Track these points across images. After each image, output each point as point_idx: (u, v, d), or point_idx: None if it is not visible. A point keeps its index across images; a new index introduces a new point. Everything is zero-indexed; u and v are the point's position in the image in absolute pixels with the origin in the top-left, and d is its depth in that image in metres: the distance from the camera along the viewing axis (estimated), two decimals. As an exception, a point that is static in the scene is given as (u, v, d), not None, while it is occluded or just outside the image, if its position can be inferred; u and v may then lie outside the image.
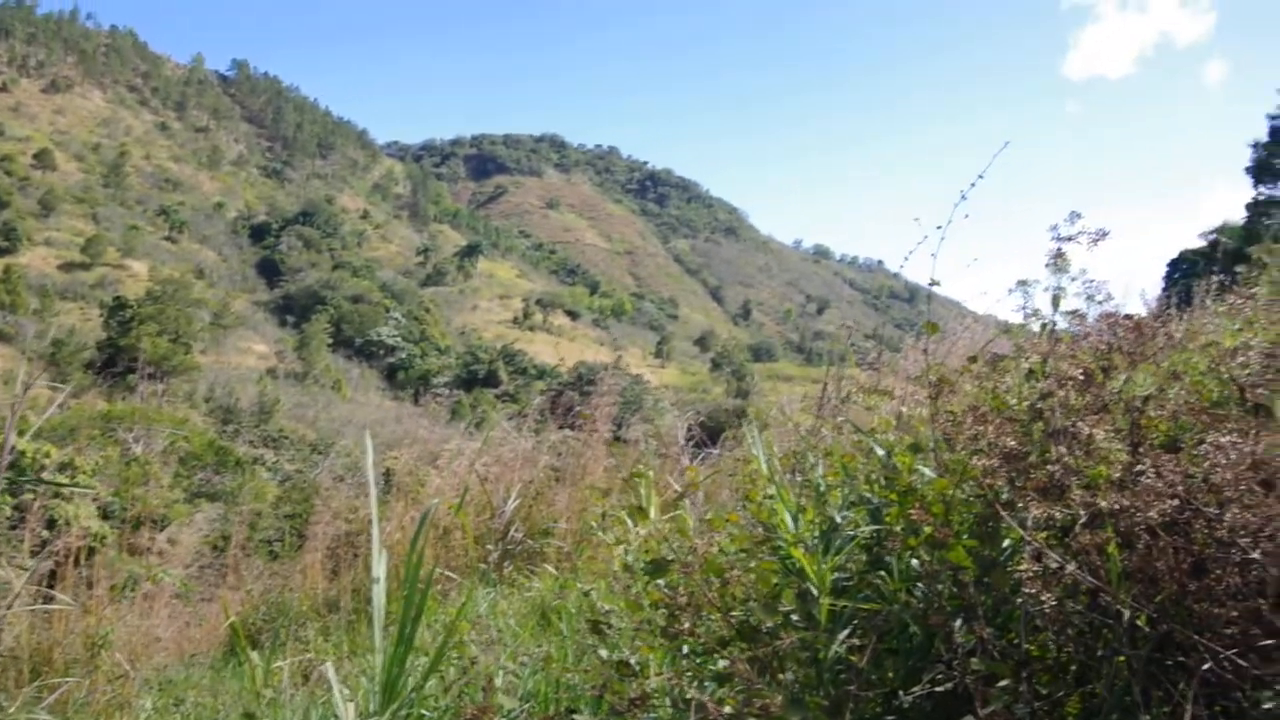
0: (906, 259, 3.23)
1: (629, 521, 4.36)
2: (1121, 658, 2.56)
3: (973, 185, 3.00)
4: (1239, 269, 7.69)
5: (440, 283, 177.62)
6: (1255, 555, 2.28)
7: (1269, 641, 2.28)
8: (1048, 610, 2.49)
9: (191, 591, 9.90)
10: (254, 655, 5.50)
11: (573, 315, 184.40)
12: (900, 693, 2.92)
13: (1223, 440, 2.38)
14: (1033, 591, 2.44)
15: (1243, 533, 2.26)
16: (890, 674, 3.02)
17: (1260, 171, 42.76)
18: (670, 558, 3.19)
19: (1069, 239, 2.96)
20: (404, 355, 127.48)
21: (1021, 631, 2.68)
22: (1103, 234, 2.90)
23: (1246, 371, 2.74)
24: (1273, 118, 42.79)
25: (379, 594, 3.52)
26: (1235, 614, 2.30)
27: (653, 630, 3.15)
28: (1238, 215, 42.20)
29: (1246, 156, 42.97)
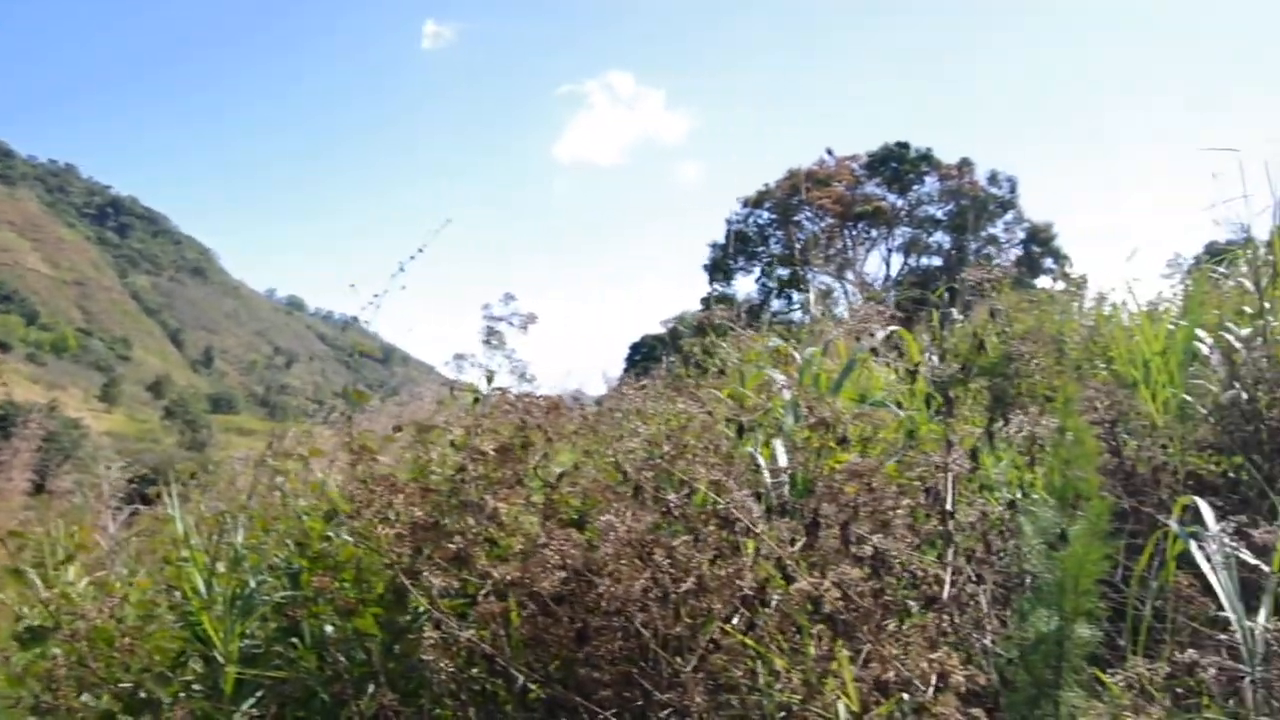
0: (347, 324, 3.29)
1: (37, 583, 4.01)
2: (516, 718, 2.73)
3: (411, 258, 3.16)
4: (673, 358, 8.54)
5: None
6: (636, 624, 2.53)
7: (641, 703, 2.55)
8: (445, 676, 2.61)
9: None
10: None
11: (3, 347, 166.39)
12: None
13: (610, 518, 2.64)
14: (431, 659, 2.55)
15: (625, 602, 2.51)
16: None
17: (715, 270, 47.96)
18: (51, 625, 2.99)
19: (500, 319, 3.17)
20: None
21: (424, 698, 2.80)
22: (532, 318, 3.14)
23: (632, 456, 3.06)
24: (730, 223, 48.25)
25: None
26: (609, 677, 2.55)
27: (27, 706, 2.92)
28: (695, 307, 46.95)
29: (706, 255, 48.19)
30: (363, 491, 2.87)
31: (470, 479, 2.89)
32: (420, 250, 3.21)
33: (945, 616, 2.67)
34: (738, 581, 2.52)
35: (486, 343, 3.25)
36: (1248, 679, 3.17)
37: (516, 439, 3.01)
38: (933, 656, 2.41)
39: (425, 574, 2.68)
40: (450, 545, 2.74)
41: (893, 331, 5.16)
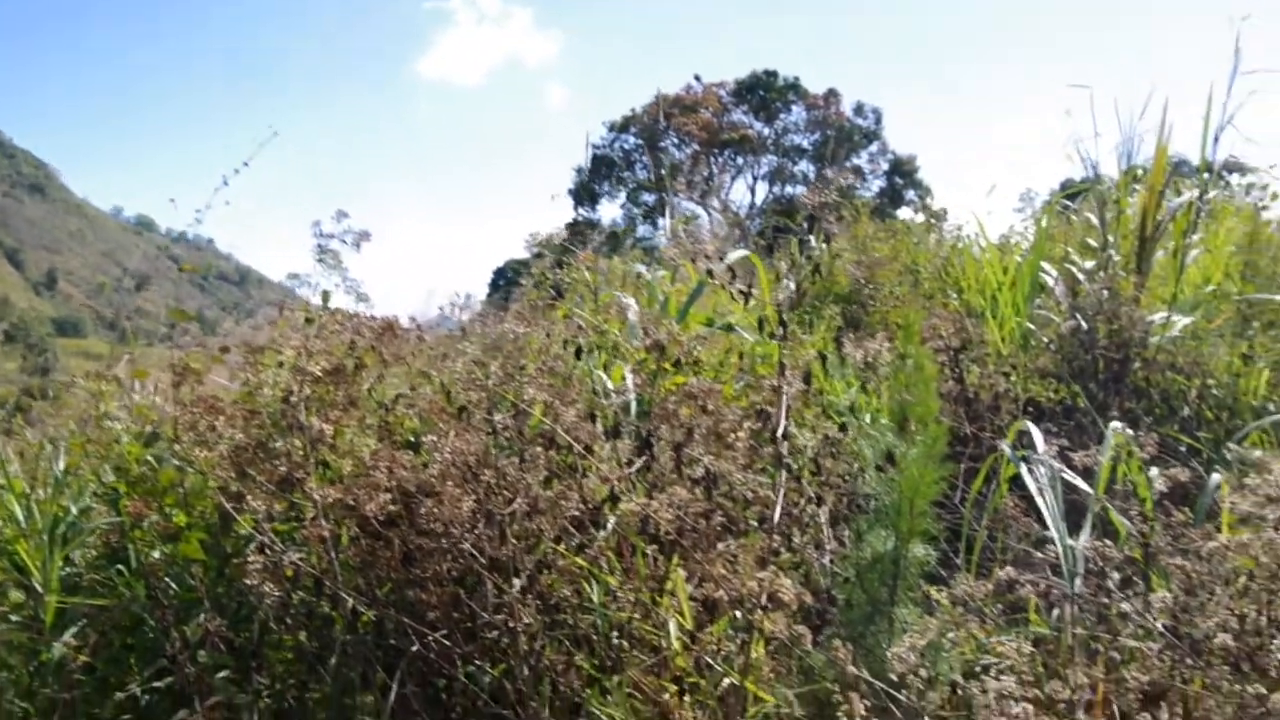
0: (174, 240, 3.21)
1: None
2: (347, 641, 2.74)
3: (236, 172, 3.08)
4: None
5: None
6: (462, 546, 2.54)
7: (470, 624, 2.57)
8: (272, 601, 2.59)
9: None
10: None
11: None
12: (140, 690, 2.89)
13: (432, 438, 2.63)
14: (255, 583, 2.52)
15: (451, 524, 2.52)
16: (136, 671, 2.97)
17: (580, 195, 47.73)
18: None
19: (332, 236, 3.11)
20: None
21: (256, 623, 2.78)
22: (365, 235, 3.09)
23: (456, 376, 3.05)
24: (596, 148, 47.93)
25: None
26: (437, 600, 2.56)
27: None
28: (561, 233, 46.41)
29: (572, 180, 47.89)
30: (183, 414, 2.81)
31: (299, 401, 2.85)
32: (245, 164, 3.13)
33: (776, 537, 2.74)
34: (563, 503, 2.54)
35: (320, 261, 3.19)
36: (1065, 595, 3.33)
37: (349, 360, 2.97)
38: (760, 576, 2.47)
39: (249, 497, 2.64)
40: (278, 468, 2.71)
41: (744, 256, 5.22)
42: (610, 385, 3.66)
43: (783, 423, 2.89)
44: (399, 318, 3.22)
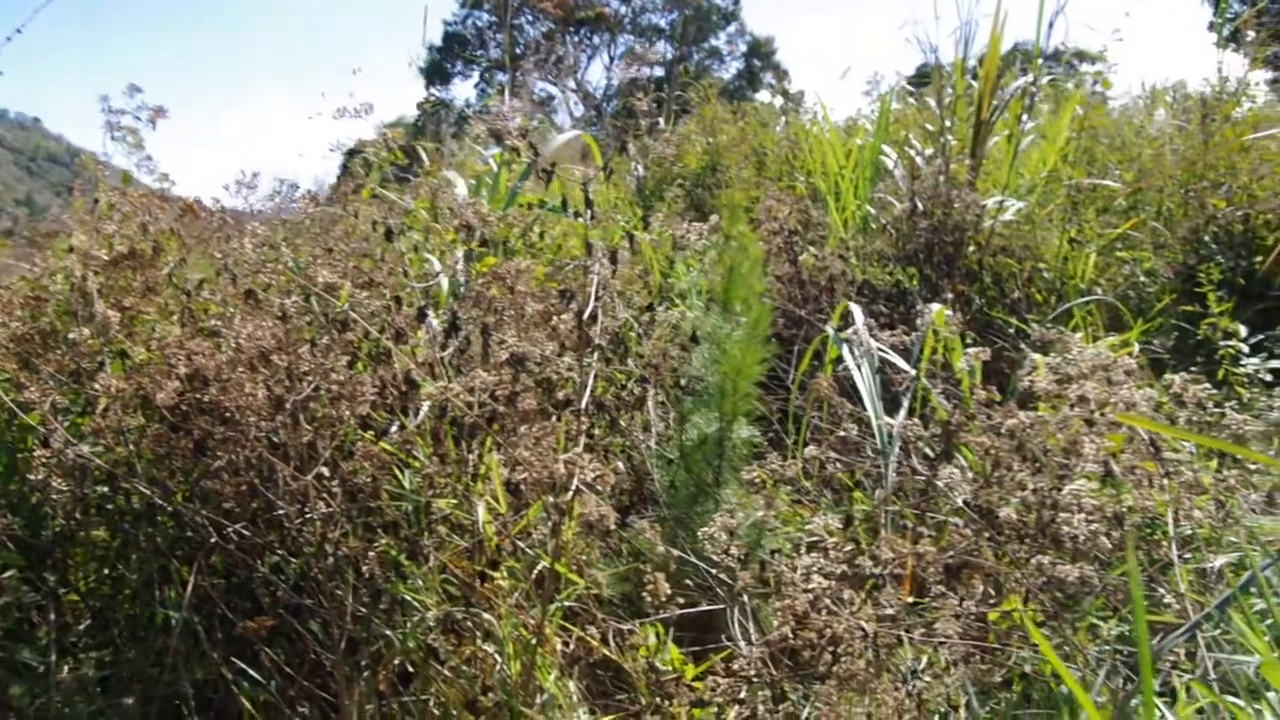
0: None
1: None
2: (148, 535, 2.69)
3: (9, 40, 2.93)
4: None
5: None
6: (251, 434, 2.49)
7: (269, 514, 2.54)
8: (59, 497, 2.52)
9: None
10: None
11: None
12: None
13: (217, 323, 2.57)
14: (41, 478, 2.45)
15: (241, 411, 2.46)
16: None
17: (432, 73, 46.50)
18: None
19: (123, 113, 2.98)
20: None
21: (53, 521, 2.70)
22: (161, 111, 2.96)
23: (245, 260, 2.97)
24: (448, 24, 46.63)
25: None
26: (232, 489, 2.51)
27: None
28: (412, 113, 45.40)
29: (422, 58, 46.56)
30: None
31: (88, 287, 2.74)
32: (18, 31, 2.97)
33: (585, 419, 2.75)
34: (359, 388, 2.51)
35: (114, 139, 3.05)
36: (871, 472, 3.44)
37: (145, 245, 2.86)
38: (566, 458, 2.48)
39: (30, 388, 2.54)
40: (65, 358, 2.61)
41: (577, 137, 5.18)
42: (439, 268, 3.61)
43: (591, 304, 2.88)
44: (199, 199, 3.11)
